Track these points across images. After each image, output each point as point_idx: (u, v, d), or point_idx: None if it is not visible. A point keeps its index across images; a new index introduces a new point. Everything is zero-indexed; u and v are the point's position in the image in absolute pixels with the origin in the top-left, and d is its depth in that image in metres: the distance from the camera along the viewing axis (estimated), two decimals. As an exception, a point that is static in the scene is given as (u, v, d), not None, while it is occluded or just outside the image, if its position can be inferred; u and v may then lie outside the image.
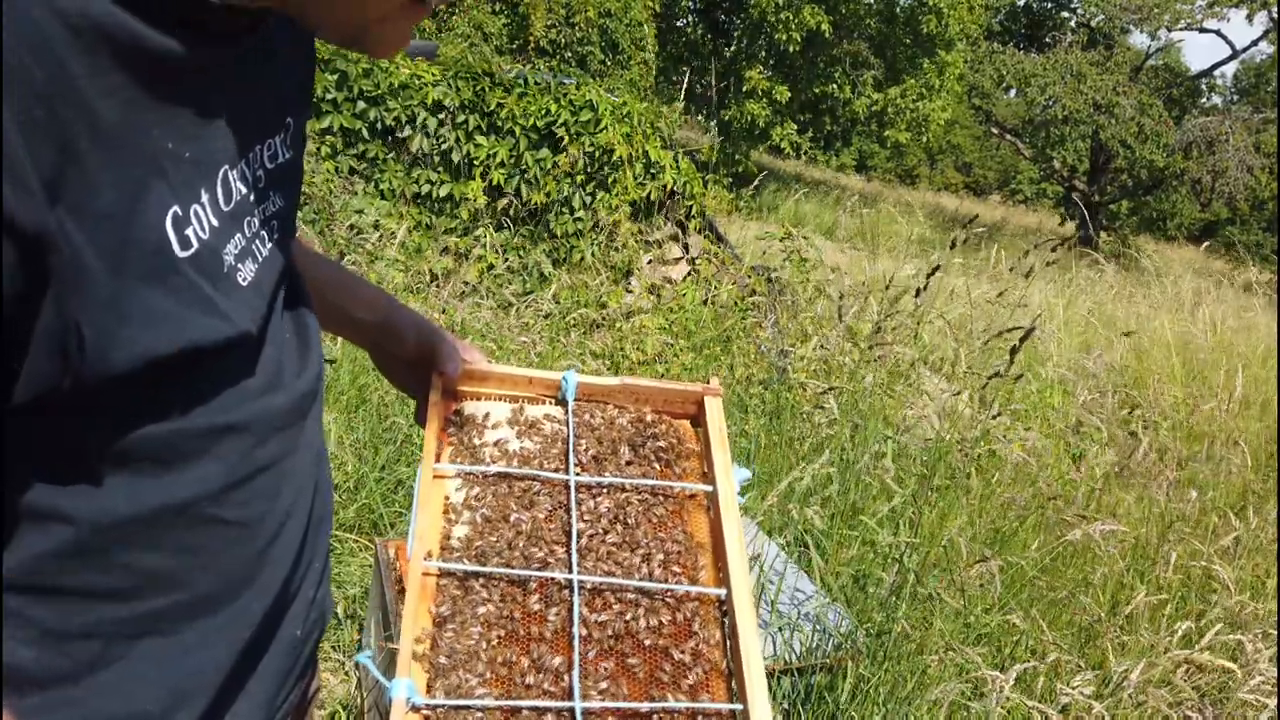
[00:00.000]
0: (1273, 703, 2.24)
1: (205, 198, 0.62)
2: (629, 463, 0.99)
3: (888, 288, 3.73)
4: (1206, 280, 10.39)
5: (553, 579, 0.88)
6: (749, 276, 5.30)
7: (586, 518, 0.94)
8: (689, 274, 5.39)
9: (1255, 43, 21.57)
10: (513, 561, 0.89)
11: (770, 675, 2.13)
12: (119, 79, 0.53)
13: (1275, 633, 2.62)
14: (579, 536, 0.91)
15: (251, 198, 0.69)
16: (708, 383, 1.06)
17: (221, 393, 0.66)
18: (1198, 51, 78.00)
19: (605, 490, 0.96)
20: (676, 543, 0.93)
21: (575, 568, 0.89)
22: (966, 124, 28.00)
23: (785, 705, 2.16)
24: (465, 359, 1.01)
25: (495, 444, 0.99)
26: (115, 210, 0.54)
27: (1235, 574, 2.84)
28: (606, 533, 0.93)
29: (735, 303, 4.97)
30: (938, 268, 3.50)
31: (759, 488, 3.18)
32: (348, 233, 4.81)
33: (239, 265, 0.67)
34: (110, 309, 0.55)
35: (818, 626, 2.21)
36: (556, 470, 0.97)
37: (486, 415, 1.01)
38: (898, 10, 16.86)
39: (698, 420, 1.06)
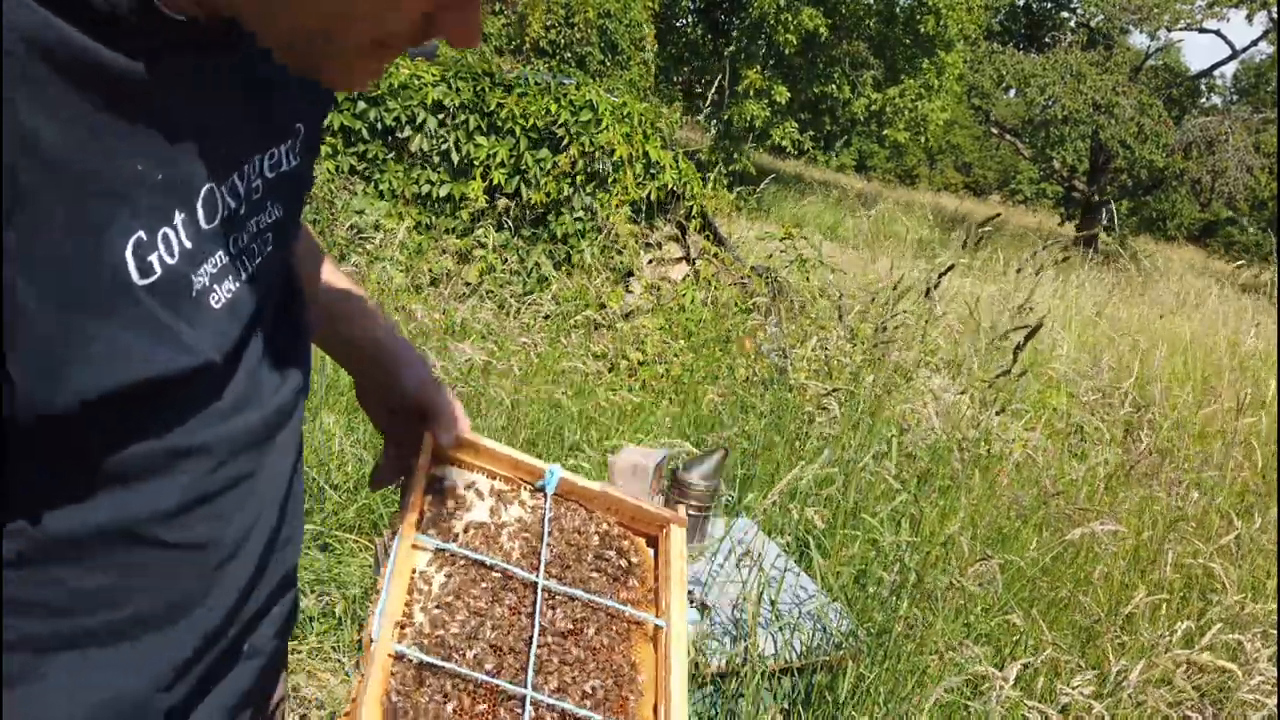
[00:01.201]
0: (1272, 702, 2.24)
1: (179, 218, 0.59)
2: (591, 574, 0.98)
3: (895, 288, 3.73)
4: (1207, 279, 10.39)
5: (504, 689, 0.87)
6: (748, 277, 5.30)
7: (543, 624, 0.92)
8: (689, 274, 5.39)
9: (1255, 43, 21.60)
10: (468, 660, 0.87)
11: (771, 675, 2.13)
12: (71, 103, 0.50)
13: (1275, 633, 2.63)
14: (534, 645, 0.91)
15: (242, 211, 0.67)
16: (675, 509, 1.05)
17: (181, 417, 0.64)
18: (1198, 51, 78.05)
19: (564, 601, 0.95)
20: (618, 674, 0.92)
21: (530, 684, 0.87)
22: (966, 124, 28.01)
23: (785, 705, 2.16)
24: (461, 425, 0.98)
25: (470, 525, 0.97)
26: (65, 243, 0.51)
27: (1236, 574, 2.84)
28: (561, 648, 0.91)
29: (735, 303, 4.97)
30: (952, 267, 3.50)
31: (760, 488, 3.18)
32: (348, 233, 4.82)
33: (213, 286, 0.64)
34: (50, 347, 0.52)
35: (818, 625, 2.22)
36: (524, 564, 0.96)
37: (469, 487, 0.99)
38: (897, 10, 16.87)
39: (658, 542, 1.05)
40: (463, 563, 0.93)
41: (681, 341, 4.72)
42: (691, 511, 2.37)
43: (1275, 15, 19.18)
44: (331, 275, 0.99)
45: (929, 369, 4.17)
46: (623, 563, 1.00)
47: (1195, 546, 3.06)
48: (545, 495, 1.02)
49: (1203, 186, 19.09)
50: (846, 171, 26.59)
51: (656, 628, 0.97)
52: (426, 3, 0.57)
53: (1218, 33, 22.28)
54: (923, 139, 18.09)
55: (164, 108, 0.57)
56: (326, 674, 2.41)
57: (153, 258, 0.57)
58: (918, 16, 16.33)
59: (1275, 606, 2.83)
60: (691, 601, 2.23)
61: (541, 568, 0.95)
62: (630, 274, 5.22)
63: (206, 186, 0.62)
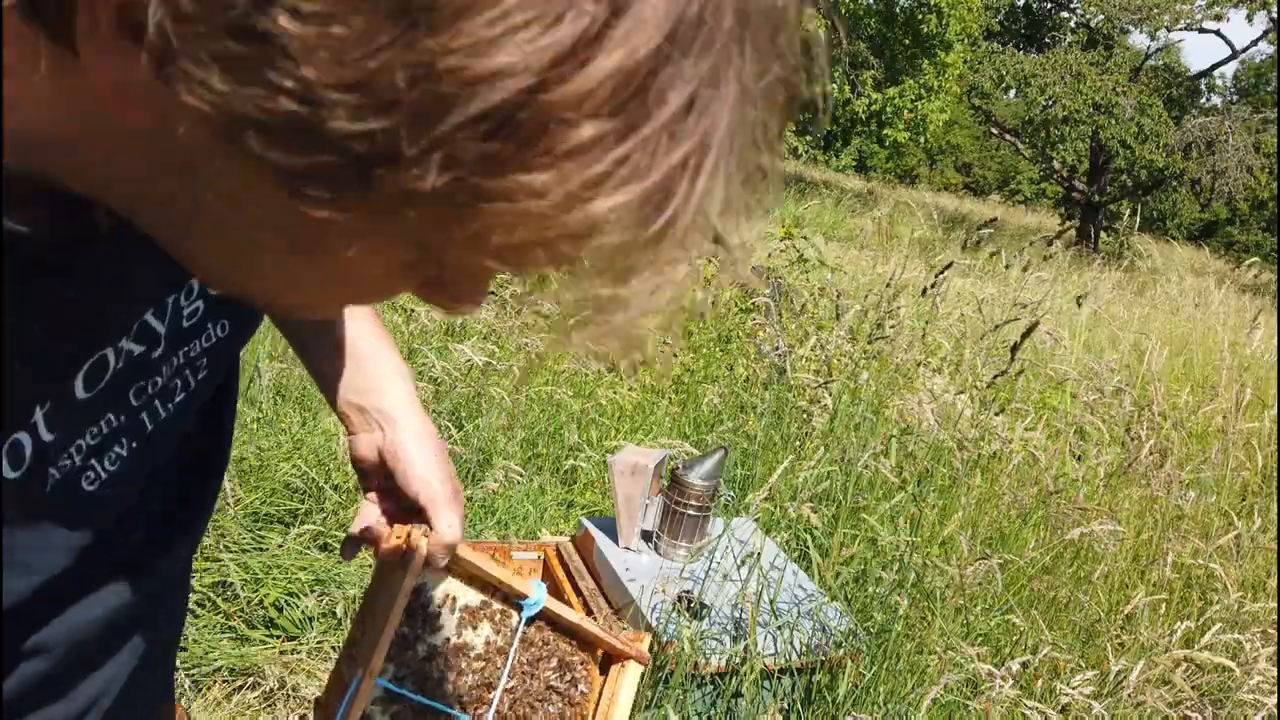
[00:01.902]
0: (1272, 702, 2.24)
1: (40, 413, 0.49)
2: (537, 703, 0.98)
3: (888, 285, 3.74)
4: (1207, 279, 10.40)
5: None
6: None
7: None
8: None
9: (1255, 43, 21.59)
10: None
11: (770, 675, 2.13)
12: None
13: (1275, 633, 2.63)
14: None
15: (157, 353, 0.57)
16: (640, 640, 1.01)
17: (17, 632, 0.55)
18: (1198, 51, 78.12)
19: None
20: None
21: None
22: (966, 124, 28.03)
23: (784, 704, 2.16)
24: (458, 543, 0.88)
25: (432, 650, 0.93)
26: None
27: (1236, 574, 2.84)
28: None
29: (735, 303, 4.97)
30: (951, 264, 3.51)
31: (757, 489, 3.18)
32: (348, 233, 4.81)
33: (89, 462, 0.54)
34: None
35: (817, 625, 2.21)
36: (475, 696, 0.94)
37: (443, 602, 0.94)
38: (897, 10, 16.89)
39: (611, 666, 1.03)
40: (412, 707, 0.90)
41: (681, 341, 4.72)
42: (691, 512, 2.37)
43: (1275, 15, 19.19)
44: (358, 333, 0.87)
45: (929, 369, 4.17)
46: (572, 693, 0.99)
47: (1195, 546, 3.06)
48: (520, 620, 0.97)
49: (1203, 186, 19.10)
50: (846, 172, 26.60)
51: None
52: (396, 284, 0.43)
53: (1218, 33, 22.26)
54: (922, 139, 18.11)
55: (31, 298, 0.46)
56: (326, 673, 2.41)
57: None
58: (919, 16, 16.35)
59: (1275, 606, 2.83)
60: (689, 602, 2.23)
61: (492, 709, 0.93)
62: (630, 274, 5.21)
63: (95, 356, 0.52)
